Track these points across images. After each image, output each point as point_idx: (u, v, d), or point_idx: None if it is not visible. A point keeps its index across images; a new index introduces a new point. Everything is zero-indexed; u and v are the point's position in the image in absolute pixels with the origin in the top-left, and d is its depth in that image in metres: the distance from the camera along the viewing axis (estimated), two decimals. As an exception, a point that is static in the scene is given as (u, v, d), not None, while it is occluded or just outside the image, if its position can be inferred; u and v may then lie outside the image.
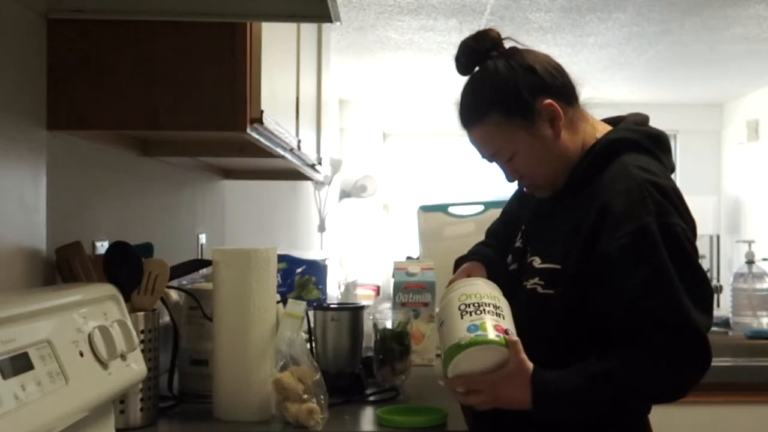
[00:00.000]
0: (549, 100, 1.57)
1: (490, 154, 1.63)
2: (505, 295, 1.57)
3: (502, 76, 1.58)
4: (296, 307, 1.60)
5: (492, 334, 1.44)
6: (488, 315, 1.47)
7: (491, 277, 1.66)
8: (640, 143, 1.59)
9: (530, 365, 1.46)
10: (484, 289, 1.55)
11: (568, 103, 1.61)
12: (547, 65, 1.61)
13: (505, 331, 1.46)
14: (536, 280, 1.57)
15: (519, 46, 1.64)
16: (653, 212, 1.46)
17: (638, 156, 1.56)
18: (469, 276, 1.67)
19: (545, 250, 1.58)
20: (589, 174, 1.57)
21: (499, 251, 1.77)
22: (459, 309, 1.50)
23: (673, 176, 1.62)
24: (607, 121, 1.69)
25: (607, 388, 1.45)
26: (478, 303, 1.50)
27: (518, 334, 1.48)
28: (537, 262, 1.58)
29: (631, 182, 1.50)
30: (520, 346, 1.45)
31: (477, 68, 1.62)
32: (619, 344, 1.46)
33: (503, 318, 1.49)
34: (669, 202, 1.48)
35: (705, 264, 6.61)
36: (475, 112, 1.61)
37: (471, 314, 1.48)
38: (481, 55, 1.61)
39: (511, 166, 1.62)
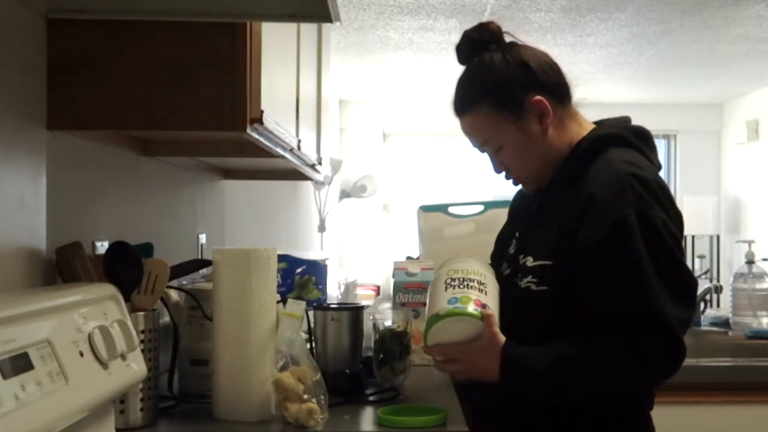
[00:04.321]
0: (539, 97, 1.60)
1: (478, 144, 1.68)
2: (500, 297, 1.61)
3: (495, 69, 1.62)
4: (296, 307, 1.60)
5: (470, 308, 1.51)
6: (471, 290, 1.55)
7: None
8: (626, 138, 1.61)
9: (502, 339, 1.50)
10: (472, 266, 1.62)
11: (559, 102, 1.63)
12: (542, 62, 1.63)
13: (483, 306, 1.52)
14: (529, 278, 1.58)
15: (518, 42, 1.66)
16: (633, 204, 1.47)
17: (624, 150, 1.58)
18: None
19: (537, 249, 1.60)
20: (577, 169, 1.59)
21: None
22: (445, 282, 1.58)
23: (662, 174, 1.63)
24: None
25: (570, 372, 1.49)
26: (463, 278, 1.57)
27: (513, 333, 1.52)
28: (530, 261, 1.60)
29: (614, 175, 1.52)
30: (495, 320, 1.50)
31: (474, 59, 1.66)
32: (591, 330, 1.48)
33: (485, 294, 1.56)
34: (651, 195, 1.49)
35: (705, 264, 6.65)
36: (466, 100, 1.66)
37: (455, 288, 1.56)
38: (479, 46, 1.65)
39: (498, 157, 1.67)
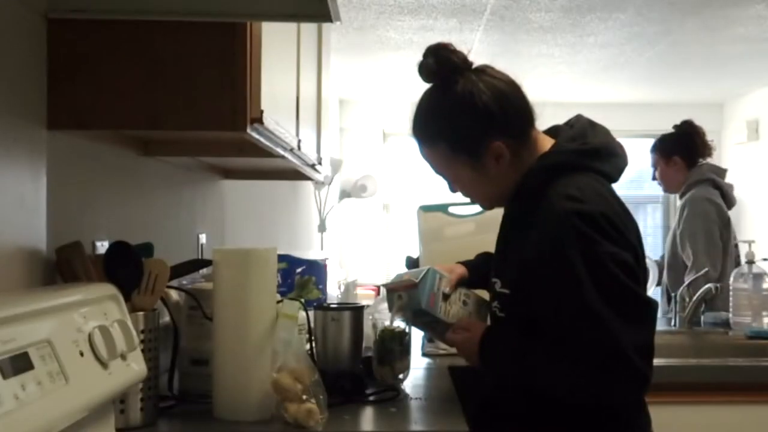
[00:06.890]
0: (498, 142, 1.58)
1: (434, 170, 1.69)
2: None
3: (457, 112, 1.60)
4: (290, 307, 1.60)
5: None
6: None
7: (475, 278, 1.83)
8: (573, 165, 1.58)
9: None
10: None
11: (517, 139, 1.61)
12: (504, 99, 1.59)
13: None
14: (495, 303, 1.65)
15: (479, 70, 1.62)
16: (576, 246, 1.46)
17: (570, 180, 1.54)
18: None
19: (502, 274, 1.63)
20: (531, 200, 1.56)
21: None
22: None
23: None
24: (549, 131, 1.68)
25: (527, 376, 1.55)
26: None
27: None
28: (498, 285, 1.64)
29: (556, 218, 1.49)
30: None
31: (437, 85, 1.63)
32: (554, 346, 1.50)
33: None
34: (596, 230, 1.47)
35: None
36: (424, 135, 1.66)
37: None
38: (439, 77, 1.62)
39: (452, 183, 1.69)
